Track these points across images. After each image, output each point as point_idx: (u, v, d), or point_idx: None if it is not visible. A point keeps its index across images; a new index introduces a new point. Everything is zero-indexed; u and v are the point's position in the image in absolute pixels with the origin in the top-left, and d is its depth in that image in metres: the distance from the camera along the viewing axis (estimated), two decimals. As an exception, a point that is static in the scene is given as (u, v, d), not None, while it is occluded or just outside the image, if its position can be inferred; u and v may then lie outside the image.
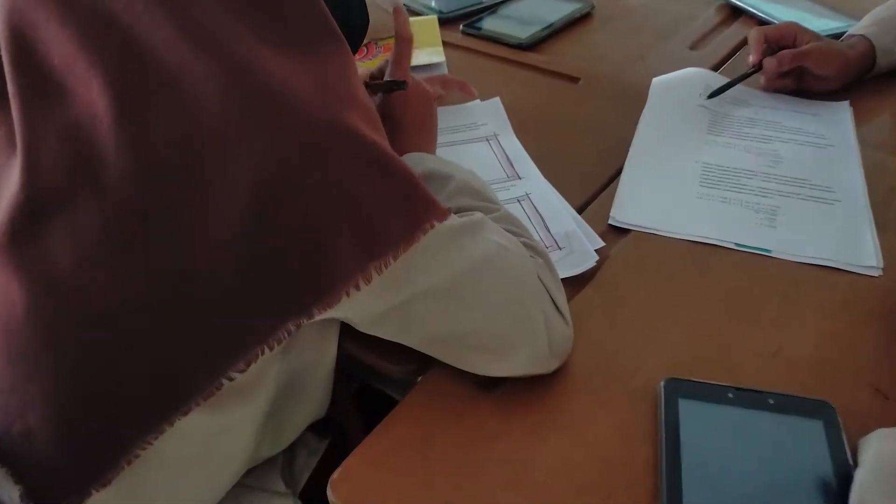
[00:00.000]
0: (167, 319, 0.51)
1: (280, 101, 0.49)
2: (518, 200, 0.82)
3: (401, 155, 0.74)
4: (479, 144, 0.93)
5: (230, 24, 0.51)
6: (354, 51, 0.68)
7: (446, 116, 0.97)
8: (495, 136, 0.94)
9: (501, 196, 0.81)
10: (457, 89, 0.96)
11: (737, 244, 0.75)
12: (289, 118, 0.49)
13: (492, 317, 0.58)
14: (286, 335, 0.52)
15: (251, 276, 0.50)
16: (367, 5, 1.10)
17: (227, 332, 0.51)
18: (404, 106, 0.77)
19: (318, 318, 0.52)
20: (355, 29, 0.69)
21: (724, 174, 0.85)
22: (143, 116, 0.48)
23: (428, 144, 0.77)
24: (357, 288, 0.51)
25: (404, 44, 0.80)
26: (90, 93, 0.49)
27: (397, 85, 0.77)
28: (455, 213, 0.60)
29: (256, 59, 0.50)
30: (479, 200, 0.67)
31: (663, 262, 0.74)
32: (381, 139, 0.54)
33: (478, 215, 0.60)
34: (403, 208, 0.53)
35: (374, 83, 0.79)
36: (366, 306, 0.55)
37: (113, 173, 0.49)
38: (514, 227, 0.64)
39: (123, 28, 0.49)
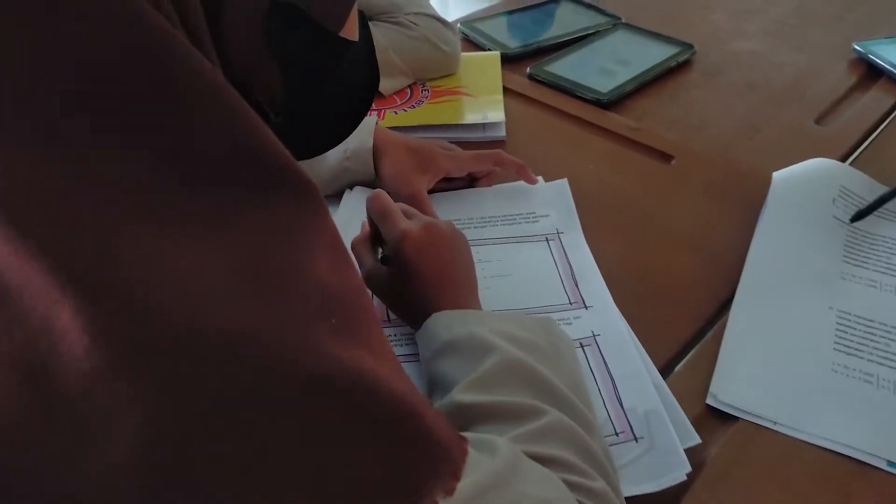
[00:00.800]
0: None
1: (174, 329, 0.28)
2: (581, 345, 0.61)
3: (424, 318, 0.55)
4: (535, 245, 0.71)
5: (97, 194, 0.29)
6: (361, 117, 0.48)
7: (500, 200, 0.76)
8: (558, 234, 0.72)
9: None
10: (513, 171, 0.74)
11: (889, 463, 0.53)
12: (188, 358, 0.28)
13: None
14: None
15: None
16: (414, 38, 0.89)
17: None
18: (418, 256, 0.57)
19: None
20: (360, 89, 0.47)
21: (867, 333, 0.62)
22: None
23: (459, 296, 0.56)
24: None
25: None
26: None
27: (386, 259, 0.59)
28: (478, 415, 0.42)
29: (133, 261, 0.28)
30: (527, 394, 0.46)
31: (784, 484, 0.52)
32: (355, 350, 0.33)
33: (501, 454, 0.38)
34: (389, 479, 0.32)
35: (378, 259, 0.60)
36: None
37: None
38: (564, 454, 0.43)
39: None
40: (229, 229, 0.30)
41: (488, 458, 0.38)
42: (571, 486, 0.41)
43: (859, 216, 0.71)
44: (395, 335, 0.61)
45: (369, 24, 0.86)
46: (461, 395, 0.47)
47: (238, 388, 0.29)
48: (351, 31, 0.39)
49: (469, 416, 0.46)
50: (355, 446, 0.31)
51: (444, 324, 0.53)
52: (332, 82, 0.40)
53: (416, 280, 0.56)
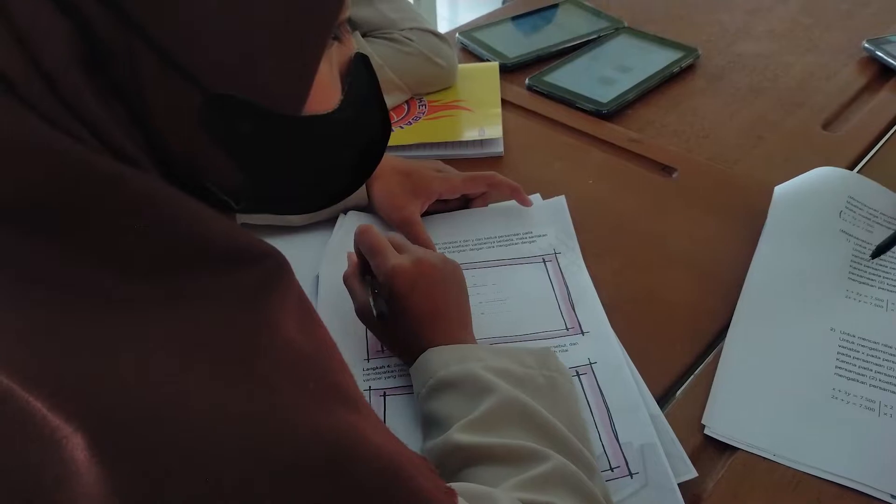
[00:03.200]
0: None
1: (146, 420, 0.28)
2: (577, 373, 0.60)
3: (417, 353, 0.54)
4: (532, 268, 0.70)
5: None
6: (369, 172, 0.46)
7: (496, 220, 0.75)
8: (555, 255, 0.71)
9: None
10: (507, 194, 0.73)
11: (894, 497, 0.51)
12: (162, 448, 0.28)
13: None
14: None
15: None
16: (409, 54, 0.88)
17: None
18: (409, 291, 0.56)
19: None
20: (354, 153, 0.45)
21: (870, 357, 0.60)
22: None
23: (452, 329, 0.56)
24: None
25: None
26: None
27: (381, 315, 0.56)
28: (476, 457, 0.42)
29: (88, 357, 0.29)
30: (526, 436, 0.46)
31: (782, 520, 0.51)
32: (335, 412, 0.32)
33: None
34: None
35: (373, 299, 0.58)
36: None
37: None
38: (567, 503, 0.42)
39: None
40: (183, 311, 0.30)
41: None
42: None
43: (879, 252, 0.67)
44: (388, 366, 0.61)
45: (364, 40, 0.85)
46: (459, 435, 0.47)
47: (215, 477, 0.28)
48: (323, 102, 0.37)
49: (467, 457, 0.46)
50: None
51: (439, 360, 0.52)
52: (305, 160, 0.39)
53: (408, 315, 0.56)
